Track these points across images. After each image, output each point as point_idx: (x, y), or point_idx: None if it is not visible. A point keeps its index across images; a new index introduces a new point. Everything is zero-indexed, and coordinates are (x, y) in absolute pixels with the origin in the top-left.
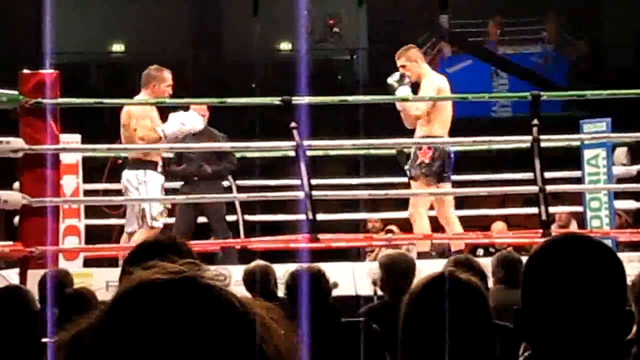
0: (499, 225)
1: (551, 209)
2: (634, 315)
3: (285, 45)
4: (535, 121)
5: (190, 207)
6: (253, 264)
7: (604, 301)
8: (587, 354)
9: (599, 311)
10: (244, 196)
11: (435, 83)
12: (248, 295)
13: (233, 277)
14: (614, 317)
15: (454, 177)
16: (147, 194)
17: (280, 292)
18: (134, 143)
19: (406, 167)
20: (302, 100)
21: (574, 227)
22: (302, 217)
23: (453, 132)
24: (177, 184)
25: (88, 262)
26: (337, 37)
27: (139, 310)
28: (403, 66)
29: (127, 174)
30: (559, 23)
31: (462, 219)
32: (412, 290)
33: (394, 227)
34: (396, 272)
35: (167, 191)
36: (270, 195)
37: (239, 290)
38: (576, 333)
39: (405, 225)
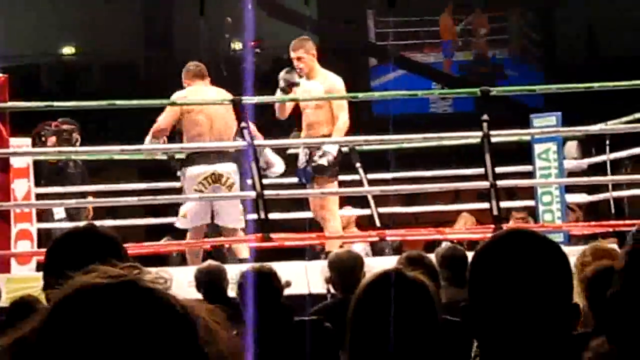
0: (468, 220)
1: (505, 204)
2: (580, 309)
3: (236, 45)
4: (485, 117)
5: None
6: (205, 264)
7: (549, 295)
8: (534, 348)
9: (544, 305)
10: (195, 196)
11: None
12: (199, 296)
13: (185, 279)
14: (560, 311)
15: (407, 173)
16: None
17: (233, 293)
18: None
19: (307, 166)
20: (252, 100)
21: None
22: (253, 216)
23: (398, 128)
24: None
25: (40, 267)
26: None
27: (79, 314)
28: (299, 58)
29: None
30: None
31: (416, 215)
32: (359, 288)
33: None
34: (344, 270)
35: None
36: (222, 195)
37: (190, 292)
38: (522, 328)
39: (366, 222)
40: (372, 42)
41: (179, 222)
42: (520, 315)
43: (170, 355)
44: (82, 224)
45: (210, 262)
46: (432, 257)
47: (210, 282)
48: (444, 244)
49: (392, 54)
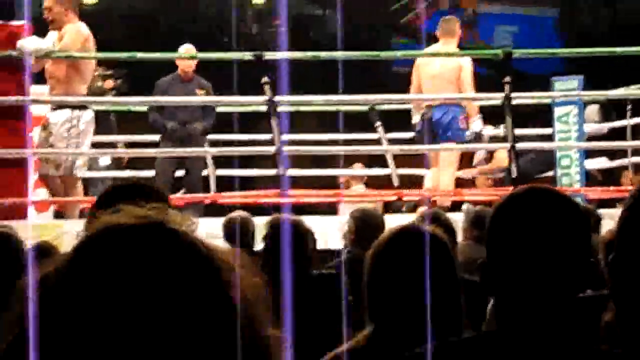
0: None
1: None
2: (597, 266)
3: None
4: (507, 78)
5: (172, 161)
6: (234, 213)
7: (567, 252)
8: (549, 306)
9: (561, 262)
10: (214, 150)
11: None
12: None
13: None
14: (577, 269)
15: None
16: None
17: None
18: None
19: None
20: (275, 55)
21: None
22: (274, 172)
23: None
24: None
25: (58, 214)
26: None
27: (104, 254)
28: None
29: None
30: None
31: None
32: (377, 242)
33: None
34: (367, 225)
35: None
36: (243, 149)
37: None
38: (538, 284)
39: (373, 183)
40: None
41: None
42: (536, 272)
43: (194, 298)
44: (124, 174)
45: (238, 212)
46: (448, 215)
47: (237, 232)
48: (466, 205)
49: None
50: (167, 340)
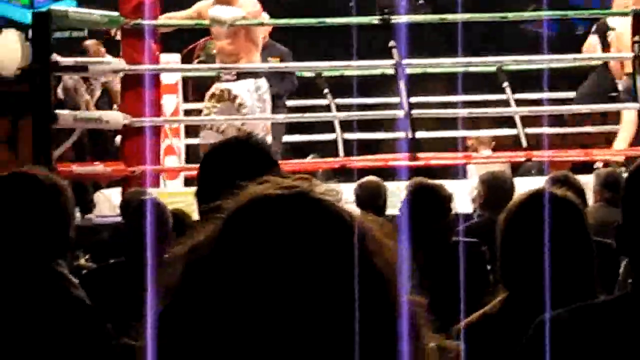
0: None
1: None
2: None
3: None
4: (637, 37)
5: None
6: (366, 179)
7: None
8: None
9: None
10: (343, 115)
11: None
12: (357, 210)
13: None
14: None
15: (555, 94)
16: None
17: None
18: None
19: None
20: (401, 19)
21: None
22: (400, 135)
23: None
24: None
25: (188, 182)
26: None
27: (254, 223)
28: None
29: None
30: None
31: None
32: (509, 207)
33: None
34: (497, 189)
35: None
36: (370, 113)
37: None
38: None
39: (501, 145)
40: None
41: None
42: None
43: (340, 265)
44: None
45: (370, 178)
46: (579, 177)
47: (370, 198)
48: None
49: None
50: (316, 307)
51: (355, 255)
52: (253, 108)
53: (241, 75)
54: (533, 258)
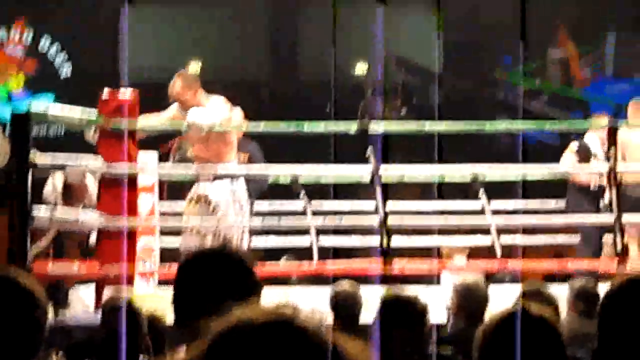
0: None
1: None
2: None
3: (360, 69)
4: (612, 151)
5: None
6: (341, 284)
7: None
8: None
9: None
10: (318, 221)
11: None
12: (330, 316)
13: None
14: None
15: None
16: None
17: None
18: None
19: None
20: (378, 127)
21: None
22: (375, 241)
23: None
24: None
25: (162, 282)
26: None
27: (237, 350)
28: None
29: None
30: None
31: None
32: (485, 327)
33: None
34: (471, 298)
35: None
36: (345, 221)
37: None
38: None
39: (475, 252)
40: None
41: None
42: None
43: None
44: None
45: (345, 283)
46: (552, 287)
47: (345, 305)
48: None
49: None
50: None
51: None
52: (229, 211)
53: (217, 177)
54: None
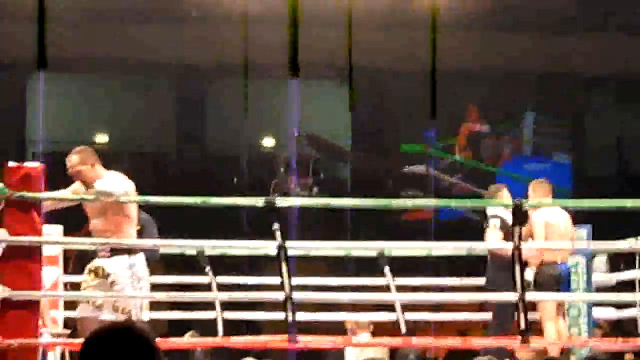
0: None
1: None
2: None
3: (268, 142)
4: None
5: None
6: None
7: None
8: None
9: None
10: (224, 295)
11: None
12: None
13: None
14: None
15: (433, 280)
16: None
17: None
18: None
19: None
20: (286, 202)
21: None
22: (281, 316)
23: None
24: None
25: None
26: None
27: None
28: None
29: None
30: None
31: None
32: None
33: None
34: None
35: None
36: (252, 295)
37: None
38: None
39: (381, 330)
40: None
41: None
42: None
43: None
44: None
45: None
46: None
47: None
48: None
49: None
50: None
51: None
52: (126, 285)
53: (115, 251)
54: None
